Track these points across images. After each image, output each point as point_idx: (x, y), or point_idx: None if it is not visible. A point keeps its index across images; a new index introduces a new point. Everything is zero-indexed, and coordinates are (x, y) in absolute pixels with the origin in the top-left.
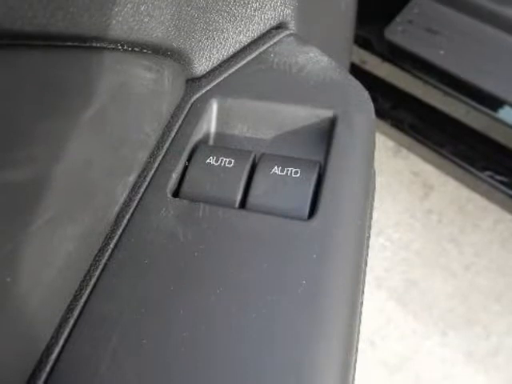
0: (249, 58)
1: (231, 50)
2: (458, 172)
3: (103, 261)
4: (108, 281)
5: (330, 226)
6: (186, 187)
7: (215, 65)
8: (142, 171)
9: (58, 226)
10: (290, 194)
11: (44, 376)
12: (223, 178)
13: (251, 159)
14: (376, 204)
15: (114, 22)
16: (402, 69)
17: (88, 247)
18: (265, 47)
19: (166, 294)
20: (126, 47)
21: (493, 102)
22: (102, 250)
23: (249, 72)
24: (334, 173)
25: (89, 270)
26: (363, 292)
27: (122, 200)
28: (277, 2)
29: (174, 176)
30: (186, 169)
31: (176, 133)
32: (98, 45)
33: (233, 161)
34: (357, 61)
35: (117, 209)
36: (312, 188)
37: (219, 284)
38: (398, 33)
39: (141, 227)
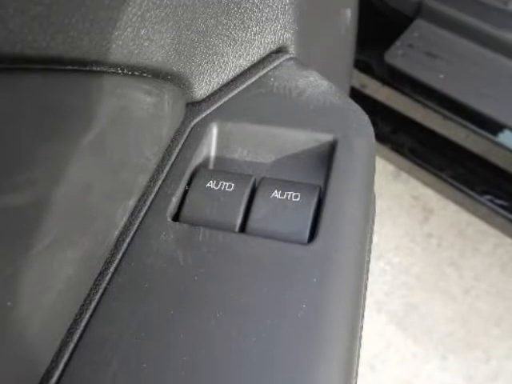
0: (249, 81)
1: (231, 74)
2: (457, 196)
3: (103, 285)
4: (108, 305)
5: (330, 250)
6: (185, 211)
7: (215, 89)
8: (142, 195)
9: (58, 250)
10: (290, 218)
11: None
12: (223, 202)
13: (251, 183)
14: (376, 228)
15: (114, 45)
16: (402, 93)
17: (88, 271)
18: (265, 71)
19: (166, 317)
20: (125, 71)
21: (492, 126)
22: (102, 274)
23: (249, 96)
24: (334, 197)
25: (89, 294)
26: (363, 316)
27: (121, 224)
28: (277, 26)
29: (174, 200)
30: (186, 193)
31: (176, 157)
32: (98, 69)
33: (233, 185)
34: (357, 85)
35: (117, 233)
36: (312, 212)
37: (219, 308)
38: (398, 57)
39: (141, 251)
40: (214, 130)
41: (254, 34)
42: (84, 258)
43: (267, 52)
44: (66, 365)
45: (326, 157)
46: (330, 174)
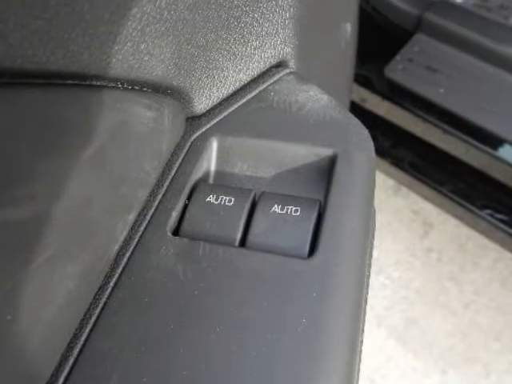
0: (249, 96)
1: (231, 89)
2: (457, 210)
3: (103, 299)
4: (108, 319)
5: (330, 264)
6: (185, 225)
7: (215, 103)
8: (142, 209)
9: (58, 265)
10: (290, 233)
11: None
12: (223, 217)
13: (251, 197)
14: (376, 242)
15: (114, 60)
16: (402, 107)
17: (88, 285)
18: (265, 85)
19: (166, 332)
20: (126, 85)
21: (492, 141)
22: (102, 289)
23: (249, 110)
24: (334, 211)
25: (89, 308)
26: (363, 330)
27: (121, 238)
28: (277, 41)
29: (174, 214)
30: (186, 207)
31: (176, 171)
32: (98, 83)
33: (233, 199)
34: (357, 99)
35: (117, 247)
36: (312, 226)
37: (219, 322)
38: (398, 71)
39: (141, 265)
40: (214, 145)
41: (254, 49)
42: (84, 273)
43: (267, 66)
44: (66, 379)
45: (326, 171)
46: (330, 189)
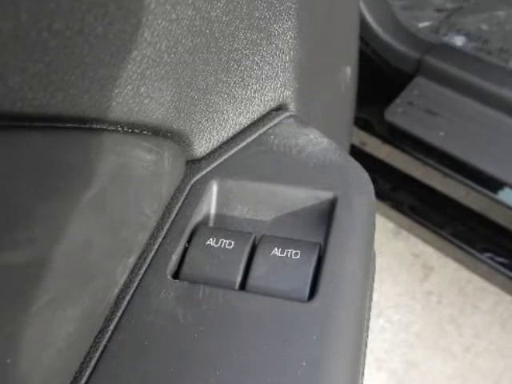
0: (249, 139)
1: (231, 132)
2: (457, 253)
3: (103, 342)
4: (108, 362)
5: (330, 307)
6: (186, 269)
7: (215, 146)
8: (142, 253)
9: (58, 308)
10: (290, 276)
11: None
12: (223, 260)
13: (251, 241)
14: (376, 285)
15: (114, 103)
16: (402, 150)
17: (88, 328)
18: (265, 129)
19: (165, 375)
20: (125, 129)
21: (492, 184)
22: (102, 332)
23: (249, 153)
24: (334, 254)
25: (89, 352)
26: (363, 374)
27: (122, 281)
28: (277, 84)
29: (174, 257)
30: (186, 250)
31: (176, 214)
32: (98, 126)
33: (233, 242)
34: (357, 142)
35: (117, 290)
36: (312, 269)
37: (219, 365)
38: (398, 114)
39: (141, 309)
40: (214, 188)
41: (254, 92)
42: (84, 316)
43: (267, 109)
44: None
45: (326, 214)
46: (330, 232)
